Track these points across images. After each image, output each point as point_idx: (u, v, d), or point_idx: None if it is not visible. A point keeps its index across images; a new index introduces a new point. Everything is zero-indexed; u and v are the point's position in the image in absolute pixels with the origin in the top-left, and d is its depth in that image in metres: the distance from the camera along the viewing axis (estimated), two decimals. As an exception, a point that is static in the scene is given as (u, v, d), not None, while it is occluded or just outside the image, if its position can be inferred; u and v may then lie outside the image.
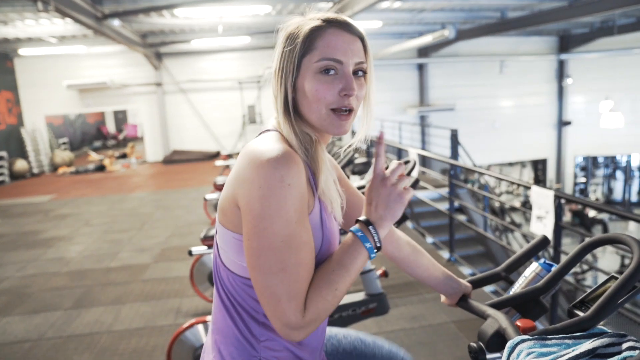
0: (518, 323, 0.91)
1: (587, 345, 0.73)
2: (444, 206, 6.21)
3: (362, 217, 0.91)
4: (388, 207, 0.89)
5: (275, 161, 0.82)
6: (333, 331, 1.25)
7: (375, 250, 0.89)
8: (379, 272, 2.53)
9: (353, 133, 1.02)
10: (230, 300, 0.95)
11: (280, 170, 0.81)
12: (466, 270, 5.10)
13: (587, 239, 1.00)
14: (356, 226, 0.91)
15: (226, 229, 0.92)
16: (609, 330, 0.79)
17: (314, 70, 0.89)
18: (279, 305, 0.81)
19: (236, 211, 0.87)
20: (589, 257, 11.41)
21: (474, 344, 0.89)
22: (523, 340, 0.78)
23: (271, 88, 0.97)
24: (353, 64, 0.91)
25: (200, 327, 2.51)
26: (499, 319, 0.90)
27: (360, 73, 0.93)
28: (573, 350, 0.73)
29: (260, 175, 0.81)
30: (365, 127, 1.00)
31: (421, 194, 6.83)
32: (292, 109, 0.93)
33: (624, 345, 0.73)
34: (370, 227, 0.89)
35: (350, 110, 0.92)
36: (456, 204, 5.53)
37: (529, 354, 0.75)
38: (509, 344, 0.79)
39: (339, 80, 0.90)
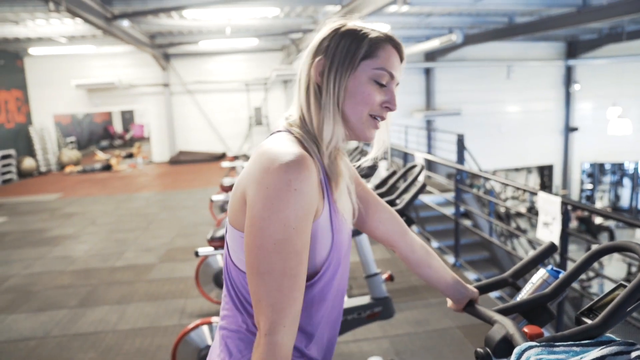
0: (525, 329, 0.90)
1: (595, 353, 0.73)
2: (449, 211, 6.19)
3: None
4: None
5: (287, 165, 0.82)
6: None
7: None
8: (384, 276, 2.53)
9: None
10: (239, 297, 0.96)
11: (290, 174, 0.81)
12: (471, 275, 5.08)
13: (596, 246, 1.00)
14: None
15: (235, 229, 0.93)
16: (618, 339, 0.79)
17: (370, 76, 0.93)
18: (257, 305, 0.82)
19: (244, 209, 0.88)
20: (595, 264, 11.33)
21: (481, 350, 0.89)
22: (531, 347, 0.78)
23: (310, 77, 0.95)
24: (397, 82, 0.98)
25: (205, 328, 2.52)
26: (506, 325, 0.90)
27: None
28: (581, 358, 0.73)
29: (269, 175, 0.82)
30: (383, 142, 1.04)
31: (427, 199, 6.82)
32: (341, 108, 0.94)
33: (633, 354, 0.73)
34: None
35: (381, 120, 0.98)
36: (462, 208, 5.51)
37: (536, 361, 0.75)
38: (516, 350, 0.79)
39: (385, 93, 0.95)
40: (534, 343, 0.79)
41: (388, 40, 0.96)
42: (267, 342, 0.80)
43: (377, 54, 0.93)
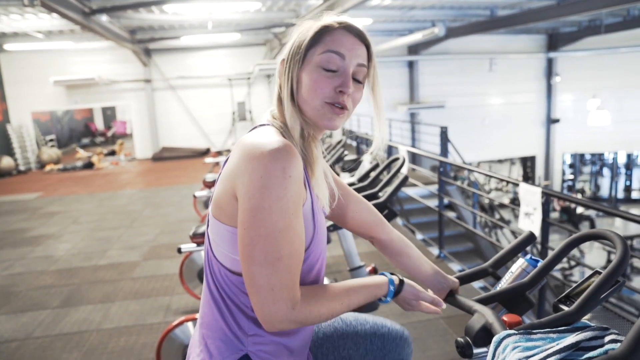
0: (504, 318, 0.92)
1: (571, 339, 0.75)
2: (433, 203, 6.24)
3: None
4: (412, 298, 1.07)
5: (277, 152, 0.83)
6: None
7: (391, 295, 1.03)
8: (368, 268, 2.54)
9: (348, 131, 1.04)
10: (221, 294, 0.96)
11: (282, 161, 0.83)
12: (455, 266, 5.13)
13: (572, 235, 1.01)
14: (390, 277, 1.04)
15: (221, 223, 0.92)
16: (593, 324, 0.81)
17: (316, 63, 0.92)
18: (271, 294, 0.82)
19: (234, 203, 0.88)
20: (576, 253, 11.55)
21: (461, 339, 0.90)
22: (509, 335, 0.79)
23: (277, 78, 0.99)
24: (355, 64, 0.94)
25: (189, 324, 2.50)
26: (485, 314, 0.91)
27: (359, 78, 0.96)
28: (557, 344, 0.74)
29: (262, 166, 0.82)
30: (381, 133, 1.04)
31: (411, 191, 6.85)
32: (296, 99, 0.95)
33: (607, 339, 0.74)
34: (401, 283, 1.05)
35: (343, 107, 0.94)
36: (446, 201, 5.56)
37: (514, 348, 0.76)
38: (495, 339, 0.80)
39: (338, 77, 0.93)
40: (512, 331, 0.80)
41: (340, 26, 0.94)
42: (299, 313, 0.85)
43: (321, 40, 0.92)
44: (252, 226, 0.83)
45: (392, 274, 1.05)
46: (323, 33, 0.92)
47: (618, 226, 13.94)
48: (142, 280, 4.20)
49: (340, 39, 0.92)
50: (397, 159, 2.24)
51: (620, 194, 16.66)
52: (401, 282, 1.04)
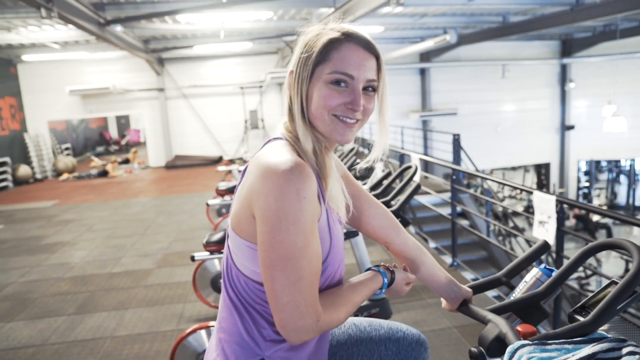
0: (518, 328, 0.91)
1: (587, 350, 0.74)
2: (446, 211, 6.19)
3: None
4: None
5: (290, 173, 0.84)
6: None
7: (386, 285, 1.06)
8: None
9: (361, 140, 1.04)
10: (241, 300, 0.97)
11: (296, 183, 0.84)
12: (469, 275, 5.08)
13: (588, 244, 1.00)
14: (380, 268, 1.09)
15: (239, 237, 0.94)
16: (610, 335, 0.79)
17: (325, 80, 0.92)
18: (297, 311, 0.84)
19: (252, 221, 0.89)
20: (592, 262, 11.36)
21: (475, 349, 0.90)
22: (523, 345, 0.78)
23: (287, 90, 0.99)
24: (364, 80, 0.93)
25: (203, 332, 2.51)
26: (499, 324, 0.91)
27: (370, 89, 0.95)
28: (573, 355, 0.73)
29: (276, 188, 0.83)
30: (382, 144, 1.03)
31: (424, 199, 6.82)
32: (307, 115, 0.95)
33: (624, 350, 0.73)
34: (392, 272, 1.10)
35: (355, 120, 0.95)
36: (458, 209, 5.51)
37: (529, 359, 0.75)
38: (509, 349, 0.80)
39: (348, 94, 0.92)
40: (526, 341, 0.79)
41: (346, 39, 0.92)
42: (323, 323, 0.88)
43: (329, 57, 0.91)
44: (271, 248, 0.84)
45: (378, 265, 1.08)
46: (330, 49, 0.91)
47: (636, 235, 13.69)
48: (156, 287, 4.22)
49: (348, 56, 0.91)
50: (409, 167, 2.23)
51: (638, 202, 16.36)
52: (392, 272, 1.08)
